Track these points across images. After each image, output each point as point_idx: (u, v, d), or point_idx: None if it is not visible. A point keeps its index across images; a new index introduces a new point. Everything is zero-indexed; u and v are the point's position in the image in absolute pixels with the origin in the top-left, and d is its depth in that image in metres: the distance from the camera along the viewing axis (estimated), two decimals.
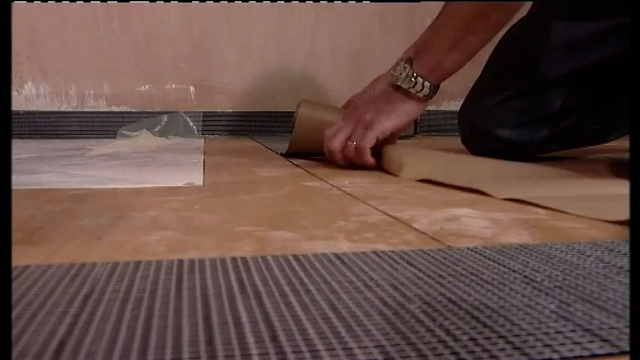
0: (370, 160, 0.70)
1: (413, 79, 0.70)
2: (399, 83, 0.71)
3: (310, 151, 0.82)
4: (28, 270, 0.29)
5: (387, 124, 0.71)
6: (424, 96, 0.71)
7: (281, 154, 0.89)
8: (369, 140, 0.70)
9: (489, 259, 0.31)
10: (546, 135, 0.78)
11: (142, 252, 0.33)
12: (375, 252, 0.32)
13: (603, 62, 0.71)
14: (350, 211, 0.45)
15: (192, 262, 0.30)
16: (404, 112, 0.72)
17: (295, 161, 0.80)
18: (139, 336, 0.20)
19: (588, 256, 0.31)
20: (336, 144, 0.72)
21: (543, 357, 0.19)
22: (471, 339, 0.20)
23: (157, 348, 0.19)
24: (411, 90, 0.70)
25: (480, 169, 0.70)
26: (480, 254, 0.32)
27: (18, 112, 1.33)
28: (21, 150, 1.02)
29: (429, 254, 0.32)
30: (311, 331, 0.21)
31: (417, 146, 0.77)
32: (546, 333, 0.21)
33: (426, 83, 0.70)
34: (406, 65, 0.71)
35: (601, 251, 0.32)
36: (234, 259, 0.31)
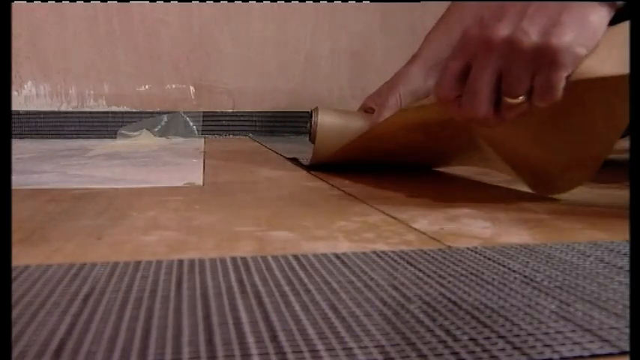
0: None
1: None
2: None
3: (337, 160, 0.68)
4: (28, 270, 0.29)
5: (578, 48, 0.39)
6: None
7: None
8: (559, 85, 0.39)
9: (489, 259, 0.31)
10: None
11: (142, 252, 0.33)
12: (375, 252, 0.32)
13: None
14: (350, 211, 0.45)
15: (192, 262, 0.30)
16: (598, 24, 0.40)
17: (295, 161, 0.80)
18: (139, 336, 0.20)
19: (588, 256, 0.31)
20: (481, 104, 0.41)
21: (543, 357, 0.19)
22: (471, 339, 0.20)
23: (157, 348, 0.19)
24: None
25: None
26: (480, 254, 0.32)
27: (18, 112, 1.33)
28: (21, 150, 1.02)
29: (429, 254, 0.32)
30: (311, 331, 0.21)
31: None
32: (546, 333, 0.21)
33: None
34: None
35: (601, 251, 0.32)
36: (234, 259, 0.31)
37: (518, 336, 0.20)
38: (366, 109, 0.71)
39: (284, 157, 0.88)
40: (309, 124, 0.69)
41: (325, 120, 0.67)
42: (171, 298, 0.24)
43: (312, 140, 0.68)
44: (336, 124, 0.67)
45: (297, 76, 1.48)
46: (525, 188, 0.53)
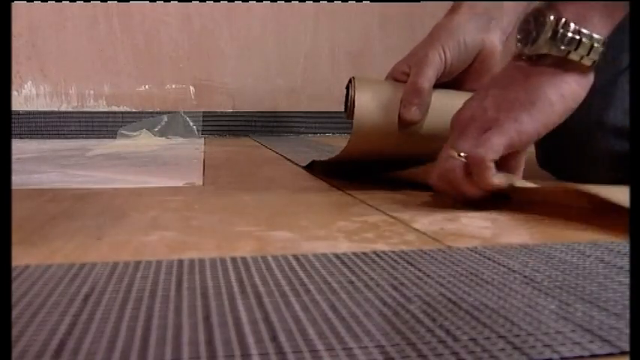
0: (490, 181, 0.42)
1: (575, 35, 0.40)
2: (545, 50, 0.41)
3: (378, 147, 0.54)
4: (28, 270, 0.29)
5: (529, 124, 0.42)
6: (592, 63, 0.41)
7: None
8: (491, 148, 0.41)
9: (489, 259, 0.31)
10: None
11: (142, 252, 0.33)
12: (375, 252, 0.32)
13: None
14: (350, 211, 0.45)
15: (192, 262, 0.30)
16: (558, 99, 0.42)
17: (295, 162, 0.80)
18: (138, 336, 0.20)
19: (588, 256, 0.31)
20: (440, 166, 0.44)
21: (543, 357, 0.19)
22: (471, 339, 0.20)
23: (157, 348, 0.19)
24: (572, 56, 0.41)
25: None
26: (480, 254, 0.32)
27: (18, 112, 1.33)
28: (21, 150, 1.02)
29: (429, 254, 0.32)
30: (311, 331, 0.21)
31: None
32: (546, 333, 0.21)
33: (597, 37, 0.41)
34: (553, 16, 0.41)
35: (601, 251, 0.32)
36: (234, 259, 0.31)
37: (518, 336, 0.20)
38: (398, 77, 0.54)
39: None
40: (346, 97, 0.54)
41: (366, 89, 0.52)
42: (171, 298, 0.24)
43: (349, 116, 0.53)
44: (378, 95, 0.52)
45: (297, 76, 1.48)
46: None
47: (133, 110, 1.39)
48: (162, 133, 1.37)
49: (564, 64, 0.42)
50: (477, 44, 0.52)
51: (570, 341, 0.20)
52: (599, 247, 0.33)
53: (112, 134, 1.35)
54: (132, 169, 0.75)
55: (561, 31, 0.41)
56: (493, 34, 0.53)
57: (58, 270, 0.29)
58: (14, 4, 1.26)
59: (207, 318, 0.22)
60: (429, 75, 0.51)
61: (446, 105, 0.51)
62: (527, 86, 0.42)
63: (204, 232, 0.38)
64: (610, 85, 0.50)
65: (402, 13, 1.48)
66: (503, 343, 0.20)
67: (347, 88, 0.54)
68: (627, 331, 0.21)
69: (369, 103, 0.52)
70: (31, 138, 1.32)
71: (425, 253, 0.32)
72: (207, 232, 0.38)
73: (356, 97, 0.52)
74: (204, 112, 1.42)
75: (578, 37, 0.41)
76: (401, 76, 0.54)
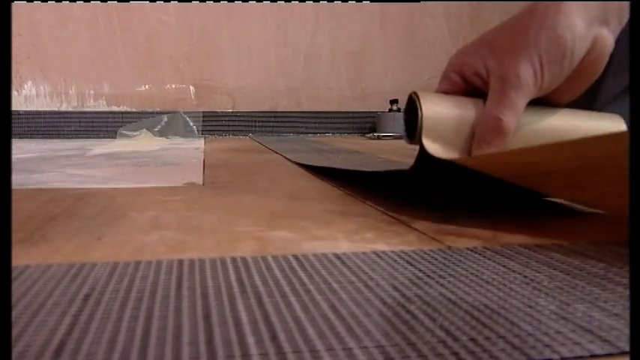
0: None
1: None
2: None
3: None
4: (28, 270, 0.29)
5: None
6: None
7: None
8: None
9: (489, 259, 0.31)
10: None
11: (142, 252, 0.33)
12: (375, 252, 0.32)
13: None
14: (350, 211, 0.45)
15: (192, 262, 0.30)
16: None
17: (294, 161, 0.80)
18: (138, 336, 0.20)
19: (588, 257, 0.31)
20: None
21: (543, 357, 0.19)
22: (471, 339, 0.20)
23: (156, 348, 0.19)
24: None
25: None
26: (480, 254, 0.32)
27: (18, 112, 1.33)
28: (21, 150, 1.02)
29: (429, 254, 0.32)
30: (311, 331, 0.21)
31: None
32: (546, 333, 0.21)
33: None
34: None
35: (601, 251, 0.32)
36: (234, 259, 0.31)
37: (518, 336, 0.20)
38: (467, 76, 0.41)
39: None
40: (407, 119, 0.43)
41: (433, 110, 0.40)
42: (171, 298, 0.24)
43: (416, 140, 0.41)
44: (448, 115, 0.40)
45: (297, 76, 1.48)
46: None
47: (133, 110, 1.40)
48: (162, 133, 1.37)
49: None
50: (586, 46, 0.37)
51: (570, 341, 0.20)
52: (599, 247, 0.33)
53: (112, 134, 1.35)
54: (132, 169, 0.75)
55: None
56: (610, 28, 0.38)
57: (58, 270, 0.29)
58: (14, 4, 1.26)
59: (207, 318, 0.22)
60: (517, 106, 0.37)
61: (534, 130, 0.39)
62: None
63: (204, 232, 0.38)
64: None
65: (402, 13, 1.48)
66: (503, 343, 0.20)
67: (408, 106, 0.42)
68: (627, 331, 0.21)
69: (441, 117, 0.40)
70: (31, 138, 1.32)
71: (425, 253, 0.32)
72: (207, 232, 0.38)
73: (423, 111, 0.40)
74: (204, 112, 1.43)
75: None
76: (473, 78, 0.40)
